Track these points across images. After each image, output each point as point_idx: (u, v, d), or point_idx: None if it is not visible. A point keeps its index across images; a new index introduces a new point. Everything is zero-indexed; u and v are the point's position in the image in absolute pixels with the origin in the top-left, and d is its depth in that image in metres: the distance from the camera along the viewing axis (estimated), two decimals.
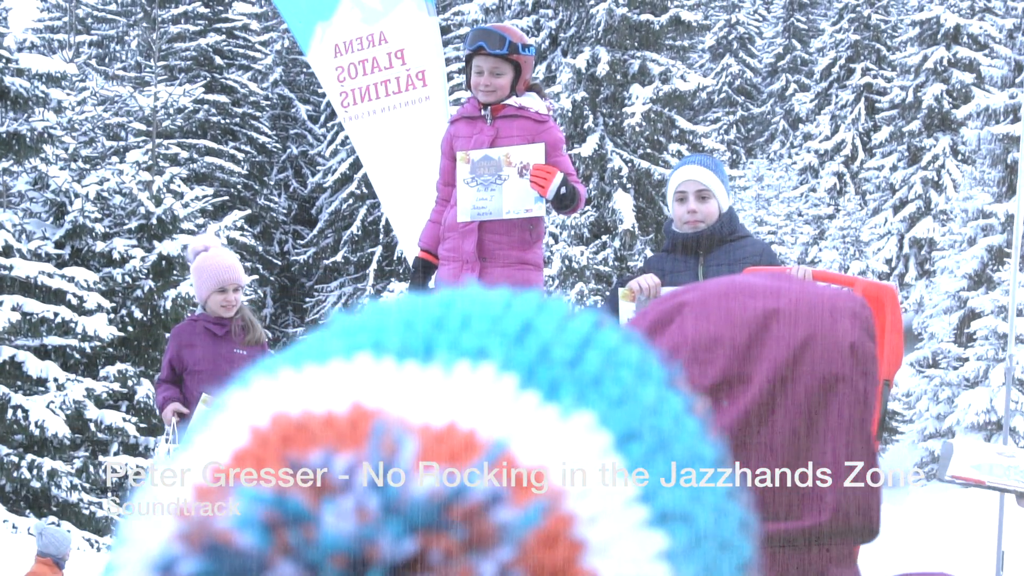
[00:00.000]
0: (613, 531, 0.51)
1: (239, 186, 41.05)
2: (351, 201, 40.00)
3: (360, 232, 39.85)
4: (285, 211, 43.98)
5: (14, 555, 13.42)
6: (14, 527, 15.79)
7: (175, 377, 6.37)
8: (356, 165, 39.93)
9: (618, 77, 30.57)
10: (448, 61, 18.64)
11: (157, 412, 6.51)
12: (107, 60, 44.11)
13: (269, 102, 45.17)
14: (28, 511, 17.47)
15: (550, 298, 0.59)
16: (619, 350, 0.58)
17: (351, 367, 0.55)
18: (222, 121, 41.77)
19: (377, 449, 0.49)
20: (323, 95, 44.35)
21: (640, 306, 5.09)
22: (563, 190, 5.35)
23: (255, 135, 43.15)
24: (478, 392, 0.53)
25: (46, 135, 19.70)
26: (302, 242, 42.98)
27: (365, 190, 39.64)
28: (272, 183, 44.07)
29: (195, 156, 38.50)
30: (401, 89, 8.07)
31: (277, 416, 0.53)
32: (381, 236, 39.29)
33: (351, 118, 8.29)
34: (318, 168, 43.81)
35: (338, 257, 40.34)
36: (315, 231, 42.19)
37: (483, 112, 5.64)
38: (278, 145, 44.49)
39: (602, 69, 29.89)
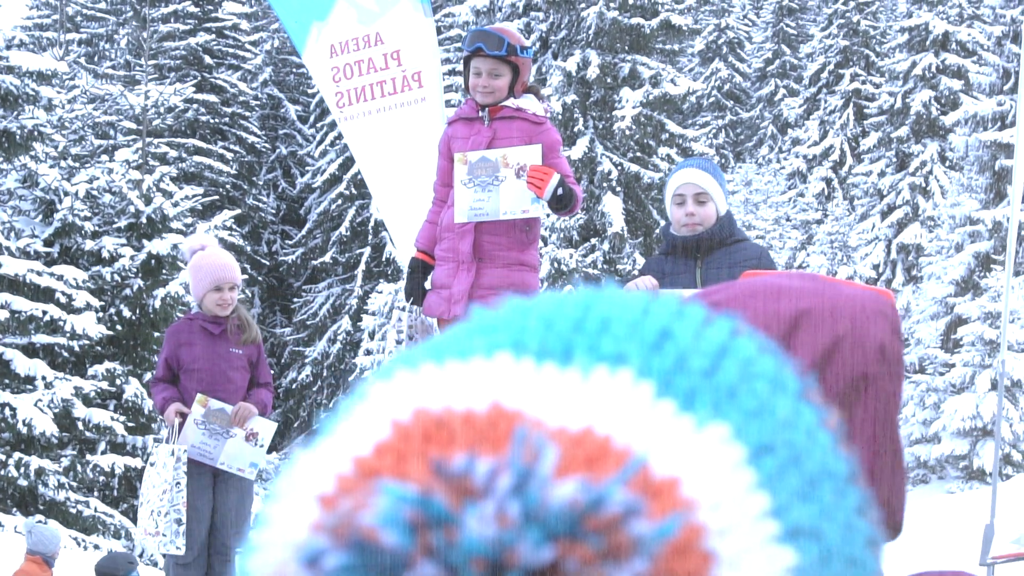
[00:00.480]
0: (743, 545, 0.51)
1: (228, 186, 41.00)
2: (340, 202, 39.98)
3: (349, 233, 39.83)
4: (274, 211, 43.93)
5: (1, 553, 13.38)
6: (1, 525, 15.75)
7: (172, 376, 6.37)
8: (345, 166, 39.91)
9: (608, 80, 30.61)
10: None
11: (157, 412, 6.52)
12: (96, 59, 44.01)
13: (259, 102, 45.13)
14: (15, 509, 17.43)
15: (688, 305, 0.60)
16: (755, 360, 0.58)
17: (491, 366, 0.56)
18: (211, 120, 41.72)
19: (519, 455, 0.50)
20: (313, 95, 44.34)
21: None
22: (560, 191, 5.36)
23: (244, 135, 43.11)
24: (615, 398, 0.53)
25: (36, 133, 19.65)
26: (290, 242, 42.94)
27: (354, 191, 39.62)
28: (261, 183, 44.03)
29: (184, 155, 38.45)
30: (397, 90, 8.07)
31: (419, 411, 0.54)
32: (370, 237, 39.27)
33: (346, 118, 8.28)
34: (307, 168, 43.78)
35: (326, 258, 40.31)
36: (303, 231, 42.15)
37: (481, 113, 5.65)
38: (267, 145, 44.45)
39: (592, 72, 29.93)
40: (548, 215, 5.20)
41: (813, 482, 0.56)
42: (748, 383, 0.57)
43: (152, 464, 6.22)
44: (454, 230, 5.59)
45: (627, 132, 29.55)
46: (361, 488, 0.51)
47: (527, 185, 5.37)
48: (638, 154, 30.35)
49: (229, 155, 41.75)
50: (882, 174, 40.87)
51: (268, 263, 42.39)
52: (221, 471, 6.32)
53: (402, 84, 8.07)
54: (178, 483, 6.07)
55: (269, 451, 6.51)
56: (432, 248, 5.79)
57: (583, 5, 30.93)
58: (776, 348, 0.61)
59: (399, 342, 5.79)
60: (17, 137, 19.26)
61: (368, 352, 32.71)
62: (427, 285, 5.83)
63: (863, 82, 46.60)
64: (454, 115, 5.85)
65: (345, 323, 38.97)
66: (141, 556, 16.69)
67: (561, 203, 5.39)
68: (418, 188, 7.81)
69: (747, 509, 0.52)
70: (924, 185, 39.18)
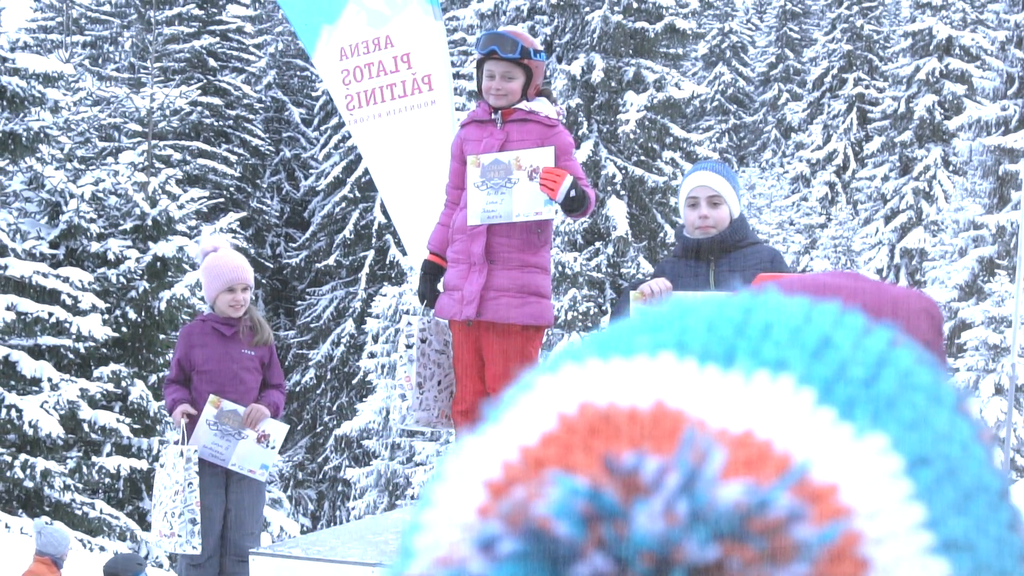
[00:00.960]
0: (898, 554, 0.52)
1: (232, 188, 41.03)
2: (344, 205, 40.00)
3: (352, 236, 39.84)
4: (277, 214, 43.96)
5: (6, 555, 13.41)
6: (7, 527, 15.77)
7: (184, 377, 6.39)
8: (349, 169, 39.94)
9: (612, 84, 30.63)
10: None
11: (167, 412, 6.54)
12: (100, 61, 44.05)
13: (262, 105, 45.15)
14: (21, 511, 17.45)
15: (847, 313, 0.61)
16: (913, 372, 0.59)
17: (655, 365, 0.57)
18: (215, 123, 41.74)
19: (687, 455, 0.51)
20: (317, 99, 44.40)
21: None
22: (573, 193, 5.37)
23: (248, 138, 43.13)
24: (776, 404, 0.55)
25: (42, 135, 19.68)
26: (294, 245, 42.96)
27: (358, 194, 39.65)
28: (265, 186, 44.05)
29: (188, 158, 38.47)
30: (407, 93, 8.09)
31: (584, 405, 0.55)
32: (373, 240, 39.29)
33: (356, 121, 8.31)
34: (311, 171, 43.81)
35: (330, 261, 40.32)
36: (307, 234, 42.19)
37: (493, 116, 5.66)
38: (271, 148, 44.48)
39: (597, 76, 29.95)
40: (562, 218, 5.19)
41: (968, 496, 0.56)
42: (906, 394, 0.57)
43: (162, 466, 6.24)
44: (466, 232, 5.60)
45: (631, 136, 29.58)
46: (529, 477, 0.53)
47: (540, 187, 5.38)
48: (642, 158, 30.37)
49: (233, 158, 41.78)
50: (886, 178, 40.89)
51: (272, 266, 42.41)
52: (233, 472, 6.34)
53: (412, 87, 8.09)
54: (190, 483, 6.09)
55: (279, 453, 6.53)
56: (444, 250, 5.81)
57: (587, 9, 30.95)
58: (933, 360, 0.63)
59: (409, 346, 5.80)
60: (23, 139, 19.29)
61: (372, 355, 32.71)
62: (439, 287, 5.85)
63: (867, 86, 46.64)
64: (467, 118, 5.86)
65: (349, 326, 38.98)
66: (147, 557, 16.71)
67: (574, 205, 5.40)
68: (428, 190, 7.83)
69: (903, 519, 0.53)
70: (928, 190, 39.19)
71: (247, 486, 6.41)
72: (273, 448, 6.38)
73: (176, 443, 6.24)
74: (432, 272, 5.85)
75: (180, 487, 6.07)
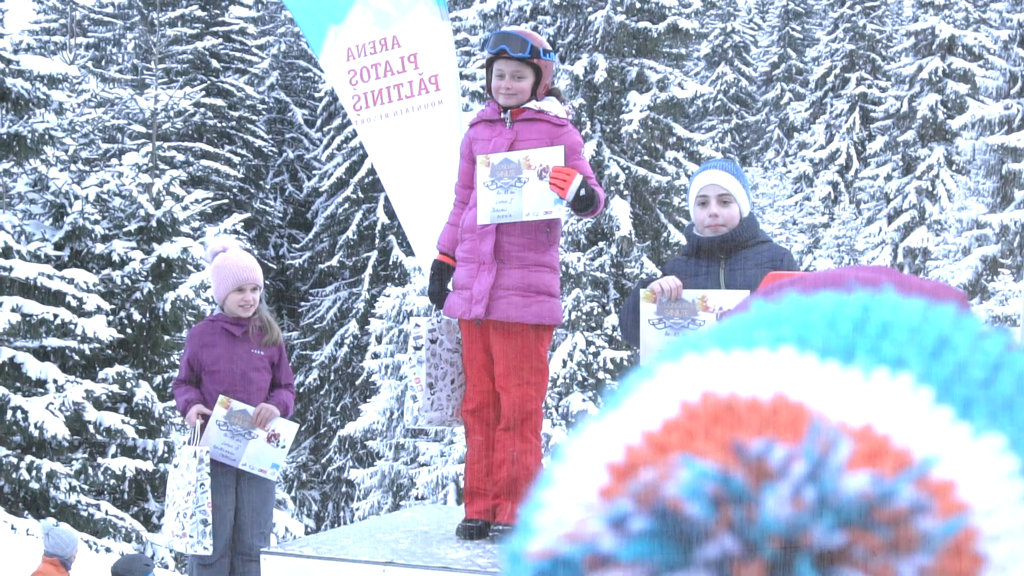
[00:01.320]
0: (1014, 551, 0.53)
1: (235, 189, 41.06)
2: (347, 205, 40.02)
3: (356, 237, 39.87)
4: (281, 215, 43.98)
5: (13, 556, 13.42)
6: (13, 528, 15.79)
7: (194, 377, 6.40)
8: (352, 169, 39.96)
9: (616, 84, 30.63)
10: None
11: (179, 413, 6.55)
12: (103, 63, 44.08)
13: (265, 106, 45.19)
14: (27, 512, 17.46)
15: (965, 313, 0.63)
16: None
17: (776, 358, 0.59)
18: (218, 124, 41.78)
19: (814, 444, 0.53)
20: (319, 99, 44.43)
21: (661, 308, 5.13)
22: (583, 192, 5.37)
23: (251, 139, 43.16)
24: (896, 400, 0.56)
25: (47, 136, 19.70)
26: (297, 246, 42.99)
27: (361, 195, 39.67)
28: (268, 187, 44.08)
29: (191, 159, 38.50)
30: (414, 93, 8.10)
31: (707, 394, 0.57)
32: (377, 241, 39.30)
33: (363, 121, 8.32)
34: (314, 172, 43.83)
35: (333, 261, 40.35)
36: (310, 235, 42.21)
37: (503, 115, 5.67)
38: (274, 149, 44.51)
39: (600, 76, 29.96)
40: (575, 217, 5.19)
41: None
42: (1023, 397, 0.59)
43: (176, 466, 6.26)
44: (475, 231, 5.61)
45: (634, 136, 29.57)
46: (654, 460, 0.55)
47: (550, 186, 5.38)
48: (645, 158, 30.37)
49: (236, 159, 41.82)
50: (888, 178, 40.89)
51: (275, 267, 42.43)
52: (243, 472, 6.35)
53: (419, 87, 8.11)
54: (202, 484, 6.10)
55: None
56: (453, 249, 5.81)
57: (590, 9, 30.95)
58: None
59: (417, 348, 5.81)
60: (28, 141, 19.30)
61: (375, 355, 32.71)
62: (448, 287, 5.85)
63: (869, 86, 46.64)
64: (476, 117, 5.86)
65: (352, 327, 39.01)
66: (153, 557, 16.73)
67: (584, 204, 5.41)
68: (435, 190, 7.84)
69: (1019, 518, 0.54)
70: (931, 189, 39.19)
71: (257, 486, 6.43)
72: (283, 447, 6.39)
73: (189, 443, 6.25)
74: (442, 271, 5.85)
75: (192, 488, 6.08)
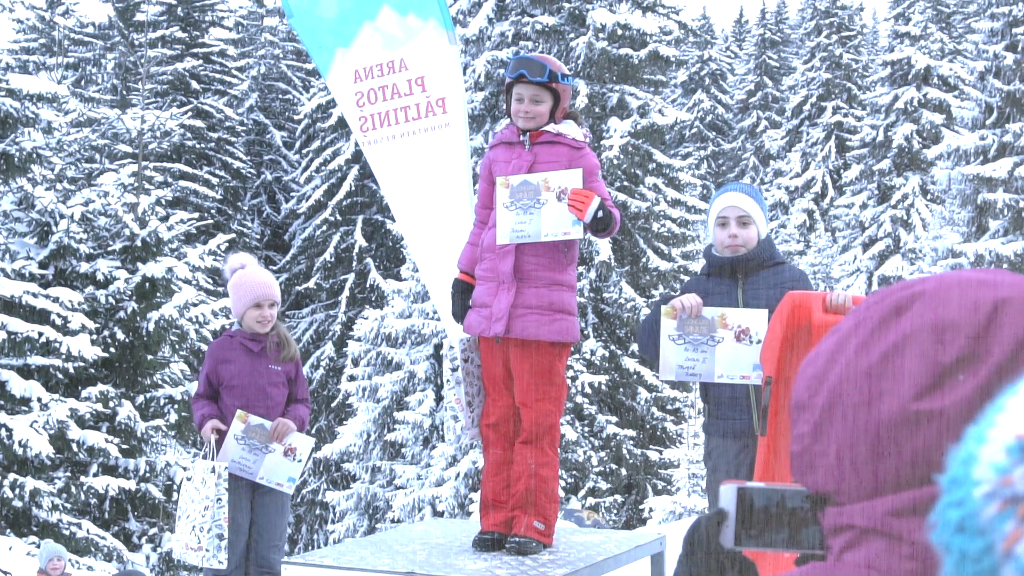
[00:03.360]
0: None
1: (213, 210, 41.07)
2: (324, 228, 40.09)
3: (333, 259, 39.93)
4: (258, 236, 44.01)
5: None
6: None
7: (212, 392, 6.49)
8: (330, 192, 40.02)
9: (596, 110, 30.85)
10: None
11: (196, 427, 6.63)
12: (83, 83, 44.08)
13: (244, 127, 45.26)
14: (9, 531, 17.42)
15: None
16: None
17: None
18: (197, 145, 41.82)
19: None
20: (298, 122, 44.50)
21: (681, 324, 5.27)
22: (600, 214, 5.51)
23: (230, 160, 43.22)
24: None
25: (34, 155, 19.72)
26: (275, 268, 43.00)
27: (339, 217, 39.73)
28: (246, 208, 44.11)
29: (170, 180, 38.51)
30: (420, 115, 8.20)
31: None
32: (354, 263, 39.37)
33: (370, 142, 8.42)
34: (292, 194, 43.89)
35: (311, 284, 40.39)
36: (288, 257, 42.24)
37: (522, 138, 5.80)
38: (252, 171, 44.56)
39: (581, 102, 30.16)
40: (588, 238, 5.34)
41: None
42: None
43: (190, 479, 6.33)
44: (495, 251, 5.73)
45: (615, 162, 29.77)
46: None
47: (569, 208, 5.52)
48: (625, 183, 30.57)
49: (215, 180, 41.85)
50: (864, 206, 41.23)
51: None
52: (259, 485, 6.44)
53: (426, 110, 8.21)
54: (219, 499, 6.18)
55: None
56: (473, 268, 5.93)
57: (572, 36, 31.19)
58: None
59: (454, 369, 5.93)
60: (16, 160, 19.32)
61: (352, 378, 32.74)
62: (469, 304, 5.96)
63: (845, 115, 47.06)
64: (495, 139, 6.00)
65: (328, 349, 39.03)
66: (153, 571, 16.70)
67: (601, 225, 5.55)
68: (441, 212, 7.96)
69: None
70: (906, 218, 39.54)
71: (272, 499, 6.51)
72: (299, 461, 6.48)
73: (205, 457, 6.33)
74: (463, 290, 5.97)
75: (210, 503, 6.16)
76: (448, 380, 5.96)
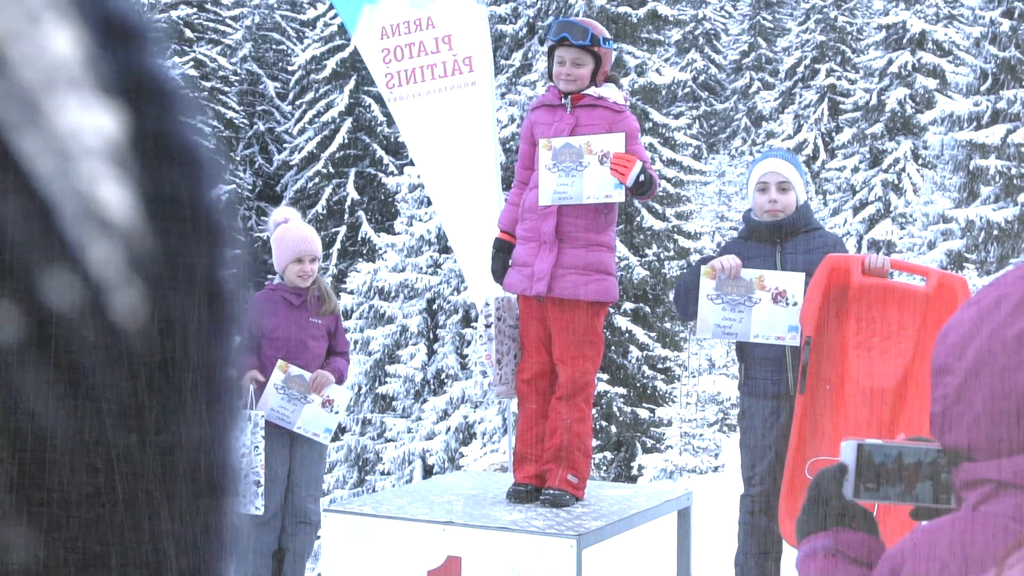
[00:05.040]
0: None
1: None
2: (317, 180, 40.09)
3: (325, 211, 39.96)
4: (250, 187, 43.98)
5: None
6: None
7: (253, 344, 6.62)
8: (323, 144, 40.01)
9: None
10: None
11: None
12: None
13: (238, 77, 45.11)
14: None
15: None
16: None
17: None
18: (189, 95, 41.69)
19: None
20: (292, 73, 44.39)
21: (720, 284, 5.43)
22: (642, 177, 5.65)
23: (222, 110, 43.11)
24: None
25: None
26: (266, 218, 42.97)
27: (332, 169, 39.75)
28: (238, 159, 44.05)
29: None
30: (447, 73, 8.30)
31: None
32: (346, 216, 39.42)
33: (395, 99, 8.52)
34: (284, 146, 43.85)
35: None
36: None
37: (563, 101, 5.92)
38: (245, 121, 44.46)
39: None
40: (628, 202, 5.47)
41: None
42: None
43: None
44: (537, 211, 5.86)
45: None
46: None
47: (611, 171, 5.65)
48: None
49: (207, 129, 41.67)
50: (855, 170, 41.31)
51: (243, 239, 42.35)
52: (297, 436, 6.59)
53: (452, 68, 8.30)
54: (256, 447, 6.32)
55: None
56: (513, 228, 6.06)
57: None
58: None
59: (488, 326, 6.07)
60: None
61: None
62: (509, 263, 6.09)
63: (839, 78, 47.08)
64: (536, 101, 6.12)
65: None
66: None
67: (642, 189, 5.69)
68: (466, 170, 8.08)
69: None
70: (897, 182, 39.67)
71: (309, 449, 6.66)
72: (336, 413, 6.63)
73: (244, 407, 6.45)
74: (503, 249, 6.10)
75: (246, 450, 6.30)
76: (481, 336, 6.12)
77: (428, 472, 27.02)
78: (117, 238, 0.45)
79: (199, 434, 0.46)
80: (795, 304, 5.31)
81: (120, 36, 0.48)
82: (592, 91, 5.89)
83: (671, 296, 7.31)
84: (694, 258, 30.19)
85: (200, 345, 0.47)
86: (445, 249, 27.92)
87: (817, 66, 47.84)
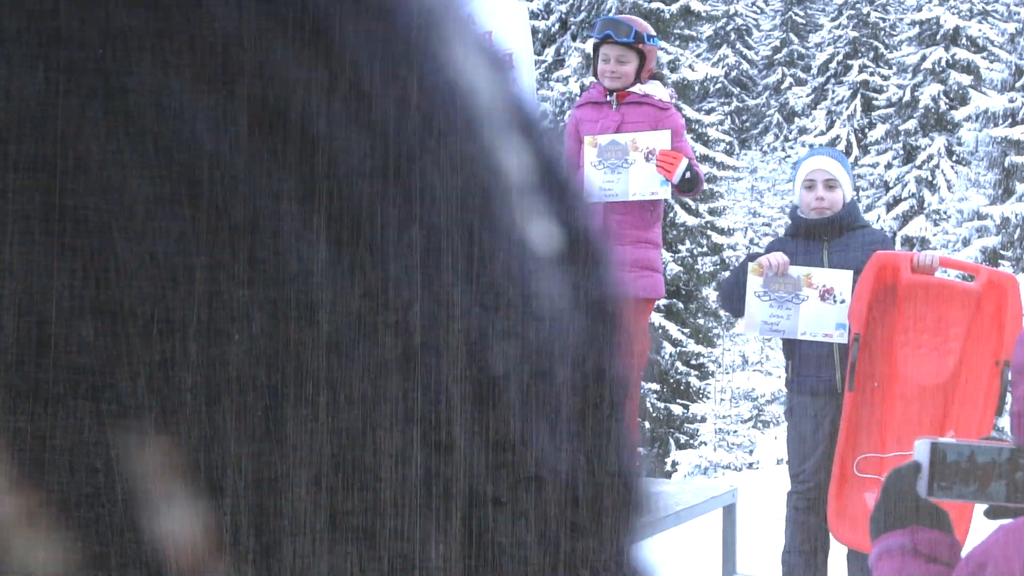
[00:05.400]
0: None
1: None
2: None
3: None
4: None
5: None
6: None
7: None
8: None
9: None
10: None
11: None
12: None
13: None
14: None
15: None
16: None
17: None
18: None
19: None
20: None
21: (767, 281, 5.44)
22: (688, 175, 5.66)
23: None
24: None
25: None
26: None
27: None
28: None
29: None
30: None
31: None
32: None
33: None
34: None
35: None
36: None
37: (609, 98, 5.94)
38: None
39: None
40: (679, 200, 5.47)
41: None
42: None
43: None
44: None
45: None
46: None
47: (657, 169, 5.66)
48: None
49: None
50: (889, 166, 41.17)
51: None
52: None
53: None
54: None
55: None
56: None
57: None
58: None
59: None
60: None
61: None
62: None
63: (871, 74, 46.88)
64: (582, 99, 6.14)
65: None
66: None
67: (688, 186, 5.70)
68: None
69: None
70: (931, 179, 39.48)
71: None
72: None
73: None
74: None
75: None
76: None
77: None
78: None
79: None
80: (843, 302, 5.31)
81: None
82: (637, 88, 5.91)
83: (715, 294, 7.33)
84: (727, 254, 30.21)
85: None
86: None
87: (850, 62, 47.64)
